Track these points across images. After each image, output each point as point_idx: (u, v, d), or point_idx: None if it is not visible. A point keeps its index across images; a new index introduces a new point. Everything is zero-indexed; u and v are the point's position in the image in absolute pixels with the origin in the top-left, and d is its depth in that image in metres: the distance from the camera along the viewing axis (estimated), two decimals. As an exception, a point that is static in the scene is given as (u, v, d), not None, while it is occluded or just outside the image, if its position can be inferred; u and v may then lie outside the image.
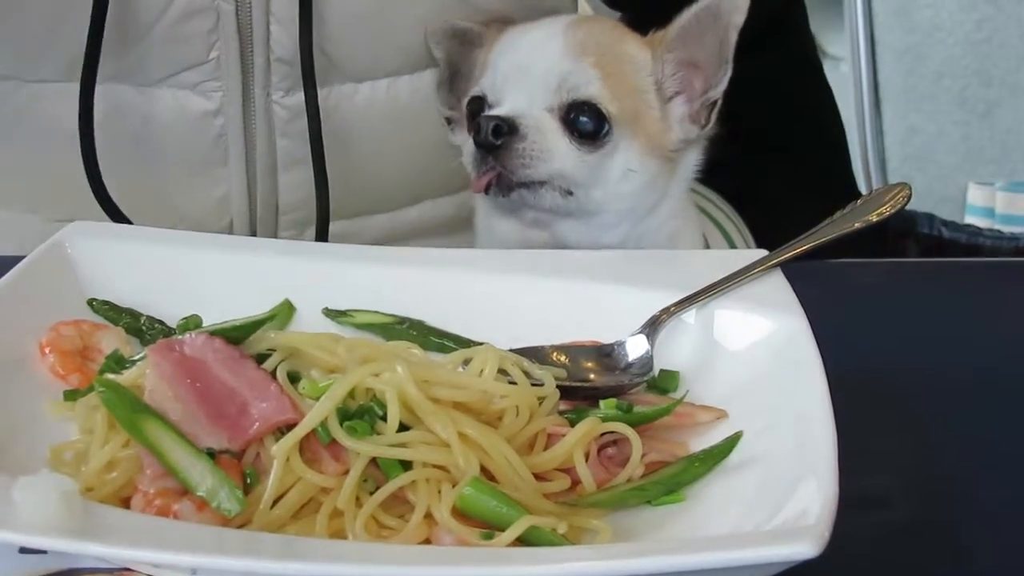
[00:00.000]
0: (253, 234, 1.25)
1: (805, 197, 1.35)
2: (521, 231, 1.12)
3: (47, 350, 0.88)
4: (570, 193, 1.07)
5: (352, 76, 1.21)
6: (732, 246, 1.31)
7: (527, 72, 1.08)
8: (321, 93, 1.17)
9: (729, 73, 1.08)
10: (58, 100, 1.17)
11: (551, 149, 1.05)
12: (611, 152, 1.07)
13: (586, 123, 1.06)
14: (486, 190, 1.06)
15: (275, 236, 1.26)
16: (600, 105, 1.06)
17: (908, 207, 1.02)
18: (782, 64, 1.54)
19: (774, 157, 1.50)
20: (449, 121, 1.20)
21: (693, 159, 1.15)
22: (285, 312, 0.93)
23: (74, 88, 1.13)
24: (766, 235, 1.35)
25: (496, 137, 1.04)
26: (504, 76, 1.09)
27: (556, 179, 1.06)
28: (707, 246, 1.25)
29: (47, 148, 1.22)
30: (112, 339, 0.90)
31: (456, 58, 1.18)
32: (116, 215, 1.15)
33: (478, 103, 1.11)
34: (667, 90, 1.09)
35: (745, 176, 1.45)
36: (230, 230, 1.24)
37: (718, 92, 1.09)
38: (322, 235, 1.20)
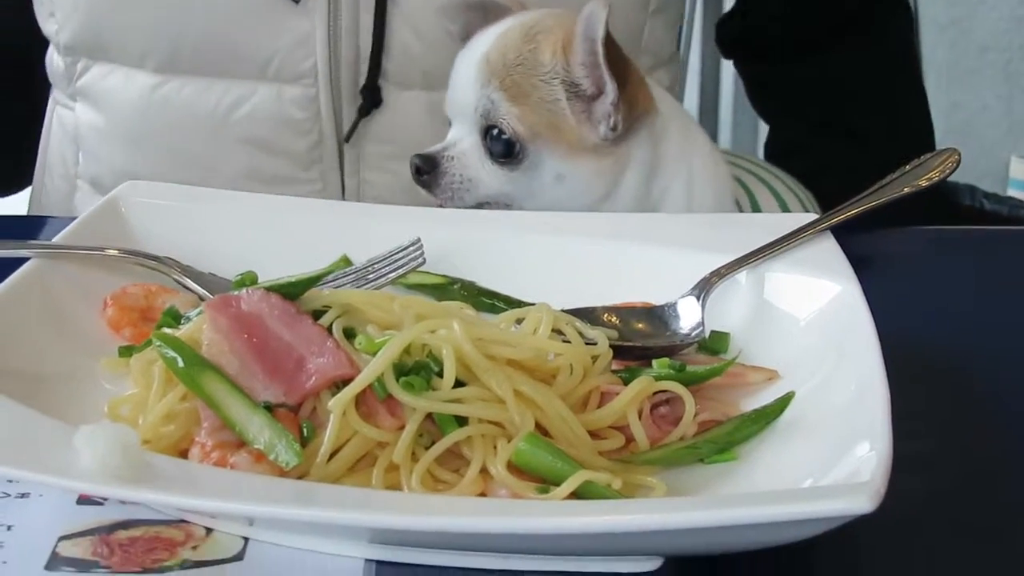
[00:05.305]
0: (336, 84, 1.26)
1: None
2: None
3: (109, 301, 0.89)
4: (508, 206, 1.11)
5: None
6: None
7: (457, 98, 1.12)
8: None
9: (612, 86, 1.06)
10: None
11: (474, 177, 1.10)
12: (535, 164, 1.09)
13: (497, 144, 1.09)
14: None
15: (356, 89, 1.27)
16: (504, 127, 1.08)
17: (950, 179, 1.02)
18: (869, 58, 1.53)
19: (854, 146, 1.50)
20: None
21: (653, 145, 1.13)
22: (342, 268, 0.93)
23: None
24: None
25: (419, 175, 1.10)
26: (450, 98, 1.13)
27: (490, 199, 1.10)
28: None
29: None
30: (177, 304, 0.89)
31: (479, 29, 1.17)
32: None
33: None
34: (587, 89, 1.08)
35: (822, 164, 1.44)
36: (314, 76, 1.26)
37: (606, 103, 1.08)
38: (374, 71, 1.24)
